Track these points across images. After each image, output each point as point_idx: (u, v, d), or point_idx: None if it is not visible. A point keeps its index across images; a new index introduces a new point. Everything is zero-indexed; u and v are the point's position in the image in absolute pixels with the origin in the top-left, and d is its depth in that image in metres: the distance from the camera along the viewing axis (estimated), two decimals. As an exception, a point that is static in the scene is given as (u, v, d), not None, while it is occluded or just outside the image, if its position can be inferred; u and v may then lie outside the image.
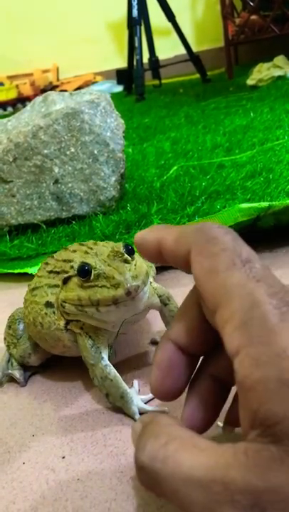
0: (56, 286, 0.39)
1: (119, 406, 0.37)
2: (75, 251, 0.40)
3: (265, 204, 0.55)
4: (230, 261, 0.22)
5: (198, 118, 1.34)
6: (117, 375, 0.37)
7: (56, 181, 0.75)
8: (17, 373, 0.44)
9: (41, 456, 0.35)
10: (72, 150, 0.74)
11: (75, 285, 0.36)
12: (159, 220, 0.66)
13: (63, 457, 0.34)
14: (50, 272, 0.41)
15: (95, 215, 0.75)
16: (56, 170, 0.74)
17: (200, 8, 2.64)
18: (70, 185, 0.75)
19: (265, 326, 0.20)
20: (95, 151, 0.75)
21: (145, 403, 0.37)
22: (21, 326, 0.45)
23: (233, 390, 0.27)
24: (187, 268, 0.25)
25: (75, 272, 0.35)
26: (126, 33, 2.16)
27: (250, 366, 0.19)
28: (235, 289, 0.21)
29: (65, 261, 0.40)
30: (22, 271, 0.65)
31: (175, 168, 0.88)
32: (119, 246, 0.35)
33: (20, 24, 2.85)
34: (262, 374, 0.19)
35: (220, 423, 0.33)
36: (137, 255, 0.36)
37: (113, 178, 0.76)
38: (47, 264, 0.43)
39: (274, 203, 0.55)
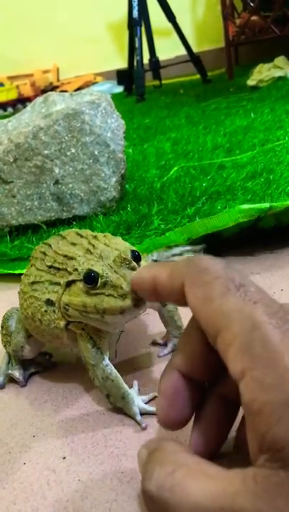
0: (57, 283, 0.38)
1: (120, 407, 0.36)
2: (74, 244, 0.39)
3: (265, 205, 0.55)
4: (224, 287, 0.22)
5: (199, 118, 1.34)
6: (118, 375, 0.37)
7: (56, 182, 0.75)
8: (16, 373, 0.44)
9: (42, 457, 0.35)
10: (73, 151, 0.74)
11: (80, 290, 0.35)
12: (159, 221, 0.66)
13: (64, 458, 0.34)
14: (50, 266, 0.40)
15: (96, 216, 0.75)
16: (57, 170, 0.74)
17: (200, 9, 2.64)
18: (70, 185, 0.75)
19: (268, 346, 0.20)
20: (96, 152, 0.75)
21: (146, 403, 0.37)
22: (12, 323, 0.45)
23: (240, 413, 0.27)
24: (183, 301, 0.25)
25: (80, 277, 0.35)
26: (126, 33, 2.16)
27: (256, 389, 0.19)
28: (234, 314, 0.21)
29: (65, 257, 0.38)
30: (22, 271, 0.64)
31: (175, 168, 0.88)
32: (127, 252, 0.34)
33: (21, 24, 2.85)
34: (268, 397, 0.19)
35: None
36: (143, 261, 0.36)
37: (113, 179, 0.76)
38: (44, 254, 0.41)
39: (275, 204, 0.55)
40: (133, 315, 0.34)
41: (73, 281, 0.36)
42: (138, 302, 0.32)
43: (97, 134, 0.75)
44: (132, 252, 0.35)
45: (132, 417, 0.36)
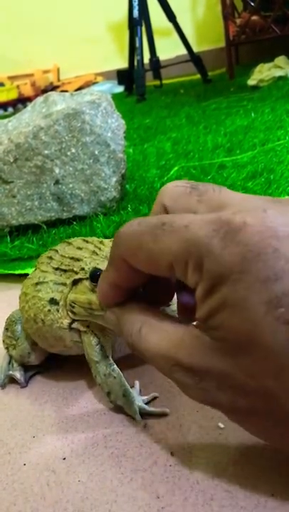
0: (63, 284, 0.39)
1: (120, 405, 0.36)
2: (80, 248, 0.40)
3: None
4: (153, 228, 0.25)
5: (199, 118, 1.34)
6: (121, 373, 0.37)
7: (57, 182, 0.75)
8: (18, 374, 0.43)
9: (42, 458, 0.35)
10: (73, 150, 0.74)
11: (86, 288, 0.36)
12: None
13: (64, 458, 0.34)
14: (57, 268, 0.40)
15: (96, 216, 0.75)
16: (57, 170, 0.74)
17: (201, 9, 2.64)
18: (70, 185, 0.75)
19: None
20: (96, 152, 0.75)
21: (146, 403, 0.37)
22: (19, 327, 0.45)
23: None
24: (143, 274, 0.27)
25: (86, 275, 0.36)
26: (127, 33, 2.16)
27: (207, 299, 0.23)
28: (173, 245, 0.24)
29: (72, 259, 0.39)
30: (23, 272, 0.65)
31: (176, 168, 0.88)
32: None
33: (21, 24, 2.85)
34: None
35: (221, 424, 0.33)
36: None
37: (114, 179, 0.76)
38: (51, 259, 0.42)
39: None
40: None
41: (80, 280, 0.37)
42: None
43: (98, 133, 0.75)
44: None
45: (132, 416, 0.36)
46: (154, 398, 0.38)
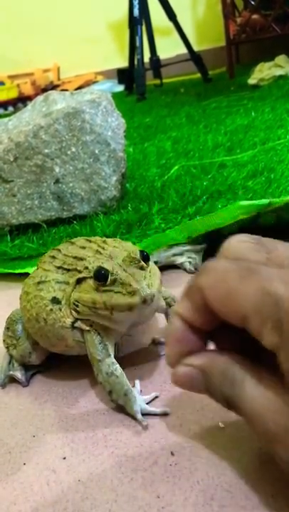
0: (65, 282, 0.39)
1: (121, 404, 0.36)
2: (84, 247, 0.40)
3: (265, 201, 0.55)
4: (237, 275, 0.24)
5: (200, 117, 1.34)
6: (123, 372, 0.37)
7: (57, 181, 0.75)
8: (18, 374, 0.43)
9: (42, 457, 0.35)
10: (73, 149, 0.74)
11: (90, 287, 0.36)
12: (160, 220, 0.66)
13: (64, 458, 0.34)
14: (59, 267, 0.40)
15: (96, 215, 0.75)
16: (57, 169, 0.74)
17: (201, 8, 2.64)
18: (71, 184, 0.75)
19: None
20: (96, 151, 0.75)
21: (147, 403, 0.37)
22: (20, 327, 0.44)
23: None
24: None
25: (90, 274, 0.36)
26: (127, 32, 2.15)
27: None
28: (255, 297, 0.23)
29: (75, 258, 0.39)
30: (23, 271, 0.65)
31: (176, 167, 0.88)
32: (136, 252, 0.36)
33: (21, 23, 2.85)
34: None
35: (222, 424, 0.33)
36: (151, 262, 0.37)
37: (114, 178, 0.76)
38: (53, 258, 0.42)
39: (274, 199, 0.55)
40: (141, 314, 0.35)
41: (84, 279, 0.37)
42: (146, 299, 0.33)
43: (98, 132, 0.75)
44: (141, 252, 0.36)
45: (133, 416, 0.36)
46: (155, 398, 0.38)
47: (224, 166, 0.84)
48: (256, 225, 0.58)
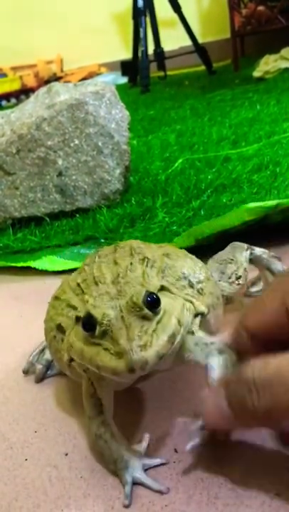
0: (73, 308, 0.33)
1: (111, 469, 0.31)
2: (116, 263, 0.33)
3: (273, 203, 0.53)
4: None
5: (204, 110, 1.32)
6: (115, 436, 0.31)
7: (60, 174, 0.74)
8: (38, 366, 0.43)
9: (44, 453, 0.34)
10: (77, 142, 0.73)
11: (79, 335, 0.29)
12: (164, 214, 0.65)
13: (66, 454, 0.34)
14: (78, 285, 0.34)
15: (99, 208, 0.74)
16: (60, 162, 0.73)
17: (206, -1, 2.61)
18: (74, 177, 0.74)
19: None
20: (100, 143, 0.74)
21: (146, 470, 0.30)
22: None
23: None
24: None
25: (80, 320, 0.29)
26: (131, 23, 2.13)
27: None
28: None
29: (93, 280, 0.33)
30: (25, 264, 0.64)
31: (180, 160, 0.87)
32: (139, 296, 0.28)
33: (24, 15, 2.82)
34: None
35: None
36: (168, 305, 0.29)
37: (118, 171, 0.75)
38: (80, 272, 0.36)
39: (282, 201, 0.54)
40: (136, 377, 0.28)
41: (79, 320, 0.30)
42: (133, 367, 0.25)
43: (101, 125, 0.74)
44: (149, 294, 0.28)
45: (122, 484, 0.30)
46: (159, 465, 0.31)
47: (229, 160, 0.83)
48: (263, 223, 0.57)
